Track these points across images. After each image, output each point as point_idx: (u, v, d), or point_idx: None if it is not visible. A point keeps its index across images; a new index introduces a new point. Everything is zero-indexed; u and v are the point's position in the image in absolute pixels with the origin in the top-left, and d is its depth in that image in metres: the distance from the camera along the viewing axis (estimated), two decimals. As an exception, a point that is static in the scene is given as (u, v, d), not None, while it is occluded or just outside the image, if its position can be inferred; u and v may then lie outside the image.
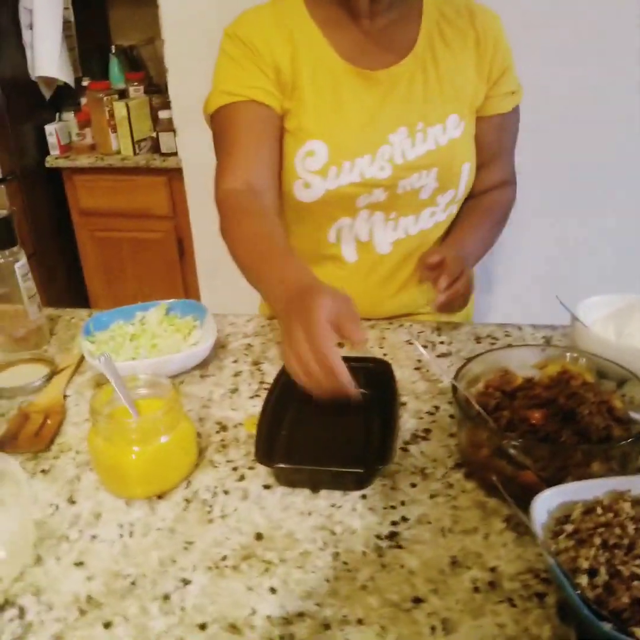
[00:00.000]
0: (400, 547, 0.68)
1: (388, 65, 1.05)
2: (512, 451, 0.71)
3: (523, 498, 0.71)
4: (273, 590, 0.64)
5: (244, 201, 1.00)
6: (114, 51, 2.79)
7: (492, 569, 0.65)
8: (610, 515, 0.63)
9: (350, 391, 0.74)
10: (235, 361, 1.03)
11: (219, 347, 1.07)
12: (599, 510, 0.63)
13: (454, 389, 0.77)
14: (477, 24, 1.08)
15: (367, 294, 1.15)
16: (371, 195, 1.08)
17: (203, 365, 1.02)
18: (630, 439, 0.69)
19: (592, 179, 2.04)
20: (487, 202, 1.19)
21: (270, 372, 0.99)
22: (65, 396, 0.98)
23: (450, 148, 1.08)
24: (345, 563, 0.67)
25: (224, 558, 0.68)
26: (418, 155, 1.06)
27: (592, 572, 0.58)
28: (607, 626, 0.53)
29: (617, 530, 0.61)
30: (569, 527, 0.63)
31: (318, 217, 1.11)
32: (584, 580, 0.58)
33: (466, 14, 1.09)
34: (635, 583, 0.56)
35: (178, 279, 2.60)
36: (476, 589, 0.63)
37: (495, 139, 1.15)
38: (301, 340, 0.73)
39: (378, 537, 0.70)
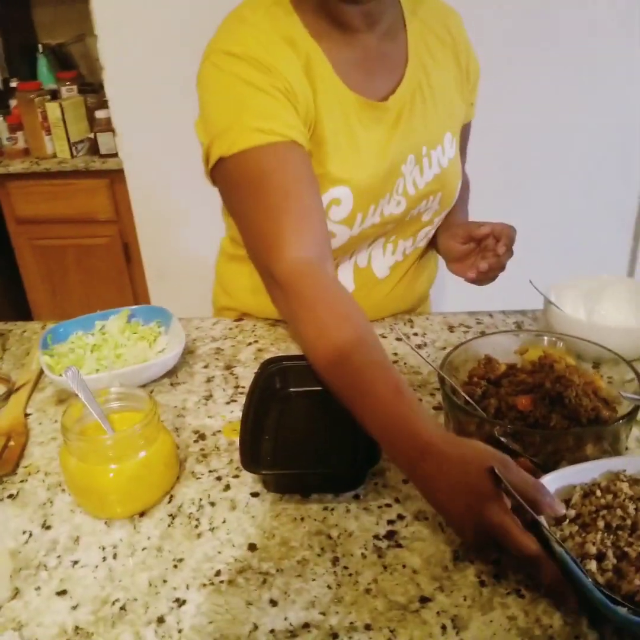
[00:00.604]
0: (400, 546, 0.66)
1: (390, 89, 0.94)
2: (504, 439, 0.70)
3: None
4: (274, 603, 0.62)
5: (321, 282, 0.80)
6: (41, 50, 2.69)
7: (496, 561, 0.64)
8: (610, 497, 0.63)
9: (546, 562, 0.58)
10: (205, 366, 1.00)
11: (187, 352, 1.03)
12: (598, 493, 0.63)
13: (442, 379, 0.75)
14: (452, 28, 1.01)
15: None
16: (384, 228, 1.02)
17: (172, 372, 0.98)
18: (621, 420, 0.69)
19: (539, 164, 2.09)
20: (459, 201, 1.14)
21: (244, 376, 0.96)
22: (26, 415, 0.92)
23: (450, 169, 1.03)
24: (345, 568, 0.65)
25: (218, 573, 0.65)
26: (427, 182, 1.01)
27: (600, 557, 0.58)
28: (622, 610, 0.53)
29: (619, 512, 0.61)
30: (571, 512, 0.62)
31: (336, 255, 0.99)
32: (593, 565, 0.57)
33: (438, 15, 1.00)
34: None
35: (127, 286, 2.52)
36: (482, 583, 0.62)
37: (463, 144, 1.12)
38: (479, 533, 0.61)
39: (376, 537, 0.68)
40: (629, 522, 0.60)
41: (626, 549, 0.58)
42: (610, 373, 0.81)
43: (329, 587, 0.63)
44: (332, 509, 0.72)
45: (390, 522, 0.69)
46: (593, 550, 0.58)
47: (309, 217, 0.83)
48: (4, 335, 1.14)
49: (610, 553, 0.58)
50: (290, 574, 0.64)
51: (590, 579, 0.55)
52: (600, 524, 0.60)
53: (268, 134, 0.81)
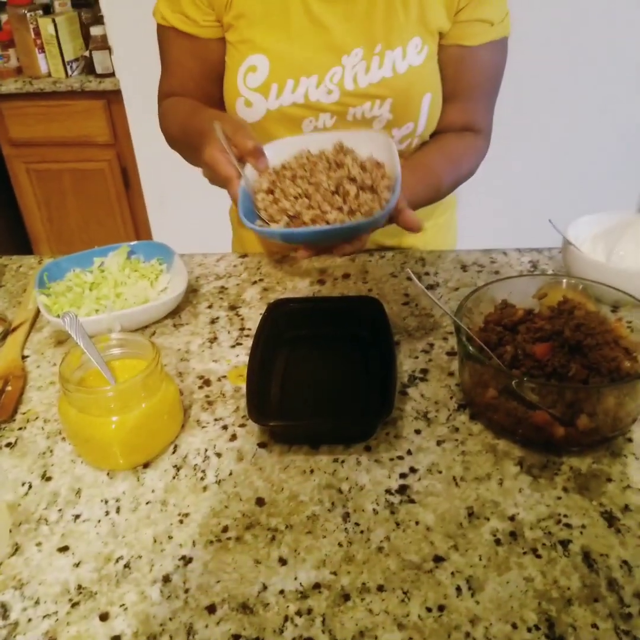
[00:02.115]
0: (412, 501, 0.64)
1: None
2: (520, 390, 0.66)
3: (536, 439, 0.68)
4: (283, 561, 0.60)
5: (171, 102, 1.06)
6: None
7: (511, 518, 0.62)
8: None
9: (231, 184, 0.81)
10: (209, 306, 0.95)
11: (190, 291, 0.99)
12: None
13: (457, 327, 0.71)
14: None
15: None
16: (317, 120, 0.98)
17: (175, 312, 0.94)
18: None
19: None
20: (445, 143, 1.03)
21: (250, 317, 0.92)
22: (24, 357, 0.89)
23: (407, 77, 0.95)
24: (357, 524, 0.63)
25: (225, 529, 0.63)
26: (371, 82, 0.95)
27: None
28: (257, 224, 0.79)
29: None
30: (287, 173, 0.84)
31: (263, 139, 0.96)
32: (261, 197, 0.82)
33: None
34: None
35: (126, 213, 2.45)
36: (498, 542, 0.60)
37: (451, 74, 0.99)
38: (204, 164, 0.85)
39: (388, 492, 0.65)
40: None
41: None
42: (631, 317, 0.77)
43: (340, 544, 0.61)
44: (343, 461, 0.69)
45: (402, 475, 0.67)
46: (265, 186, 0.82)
47: (177, 80, 1.06)
48: (-1, 270, 1.09)
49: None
50: (299, 530, 0.62)
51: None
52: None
53: (162, 18, 1.01)
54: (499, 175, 1.99)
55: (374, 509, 0.64)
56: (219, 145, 0.81)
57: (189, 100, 1.03)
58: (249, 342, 0.83)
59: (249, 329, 0.89)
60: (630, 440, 0.70)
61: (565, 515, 0.62)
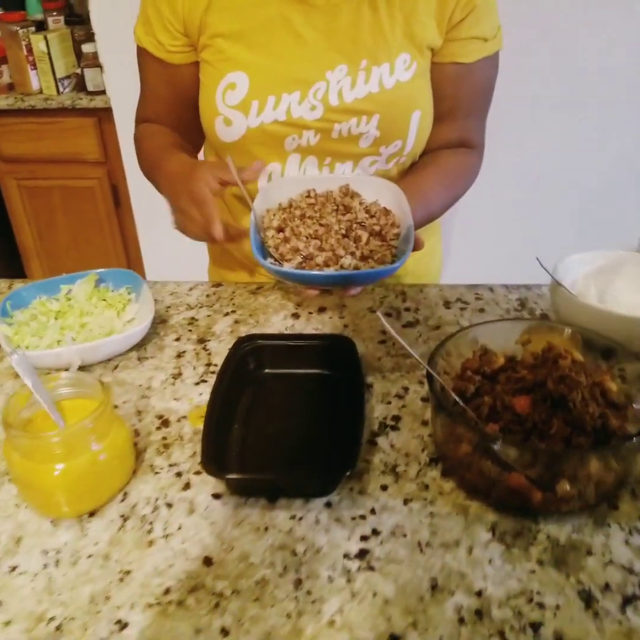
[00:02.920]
0: (372, 568, 0.59)
1: None
2: (496, 448, 0.61)
3: (511, 503, 0.63)
4: (225, 632, 0.55)
5: (144, 130, 1.06)
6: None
7: (479, 593, 0.57)
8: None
9: (214, 228, 0.83)
10: (177, 339, 0.91)
11: (159, 321, 0.94)
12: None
13: (430, 377, 0.67)
14: None
15: None
16: (301, 138, 0.94)
17: (141, 344, 0.89)
18: (634, 437, 0.60)
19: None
20: (442, 160, 1.02)
21: (217, 351, 0.88)
22: (-22, 389, 0.84)
23: (395, 92, 0.92)
24: (308, 593, 0.57)
25: (167, 591, 0.58)
26: (357, 97, 0.91)
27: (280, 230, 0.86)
28: (268, 262, 0.80)
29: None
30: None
31: (244, 160, 0.95)
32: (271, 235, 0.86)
33: None
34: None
35: (116, 230, 2.41)
36: (461, 621, 0.55)
37: (450, 92, 0.97)
38: (187, 203, 0.87)
39: (346, 556, 0.60)
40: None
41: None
42: (623, 364, 0.72)
43: (288, 616, 0.56)
44: (300, 518, 0.64)
45: (363, 537, 0.62)
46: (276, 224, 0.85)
47: (153, 104, 1.05)
48: (-34, 293, 1.05)
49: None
50: (247, 596, 0.57)
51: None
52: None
53: (139, 40, 0.99)
54: (488, 201, 1.95)
55: (329, 576, 0.59)
56: (210, 182, 0.86)
57: (160, 135, 1.03)
58: (213, 379, 0.79)
59: (216, 365, 0.85)
60: (615, 508, 0.64)
61: (538, 593, 0.56)
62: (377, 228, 0.85)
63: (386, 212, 0.88)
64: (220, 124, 0.95)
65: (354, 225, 0.86)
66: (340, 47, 0.91)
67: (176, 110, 1.03)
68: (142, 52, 1.00)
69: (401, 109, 0.93)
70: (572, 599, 0.56)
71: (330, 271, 0.81)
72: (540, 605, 0.55)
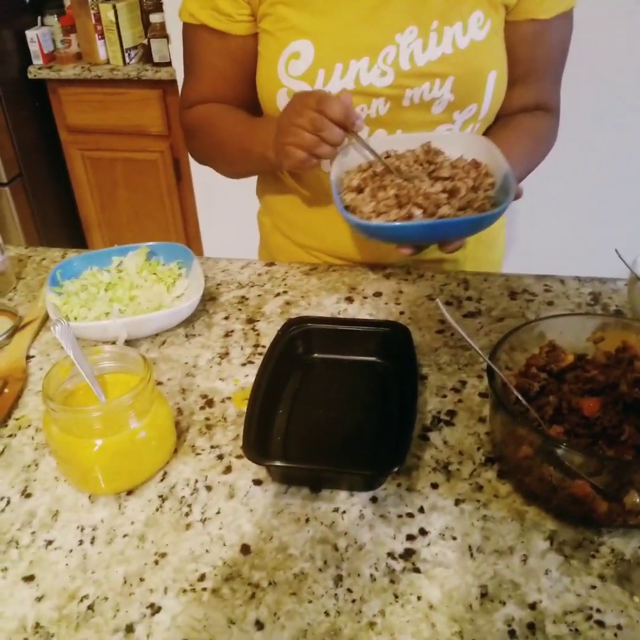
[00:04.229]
0: (417, 570, 0.56)
1: None
2: (561, 453, 0.57)
3: (573, 512, 0.58)
4: (260, 625, 0.52)
5: (206, 110, 0.99)
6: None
7: (532, 606, 0.52)
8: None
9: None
10: (226, 318, 0.89)
11: (209, 299, 0.92)
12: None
13: (490, 372, 0.62)
14: None
15: None
16: (370, 108, 0.89)
17: (189, 321, 0.87)
18: None
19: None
20: (522, 123, 0.97)
21: (266, 333, 0.85)
22: (28, 357, 0.84)
23: (471, 52, 0.87)
24: (349, 591, 0.54)
25: (202, 577, 0.56)
26: (430, 60, 0.86)
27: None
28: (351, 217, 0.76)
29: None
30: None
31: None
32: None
33: None
34: None
35: (176, 204, 2.41)
36: (512, 634, 0.51)
37: (527, 52, 0.92)
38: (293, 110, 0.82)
39: (391, 555, 0.57)
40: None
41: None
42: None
43: (326, 613, 0.53)
44: (344, 512, 0.61)
45: (410, 537, 0.58)
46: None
47: (206, 82, 0.99)
48: (22, 261, 1.05)
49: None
50: (283, 589, 0.55)
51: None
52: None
53: (190, 16, 0.94)
54: (560, 188, 1.85)
55: (371, 575, 0.55)
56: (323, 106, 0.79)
57: (233, 111, 0.97)
58: (260, 361, 0.76)
59: (263, 347, 0.82)
60: (685, 522, 0.59)
61: (598, 610, 0.52)
62: (469, 181, 0.81)
63: (476, 164, 0.83)
64: (283, 96, 0.90)
65: (448, 180, 0.81)
66: (408, 8, 0.85)
67: (238, 88, 0.97)
68: (194, 31, 0.95)
69: (477, 69, 0.88)
70: (636, 619, 0.51)
71: (429, 221, 0.76)
72: (600, 624, 0.51)
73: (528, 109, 0.98)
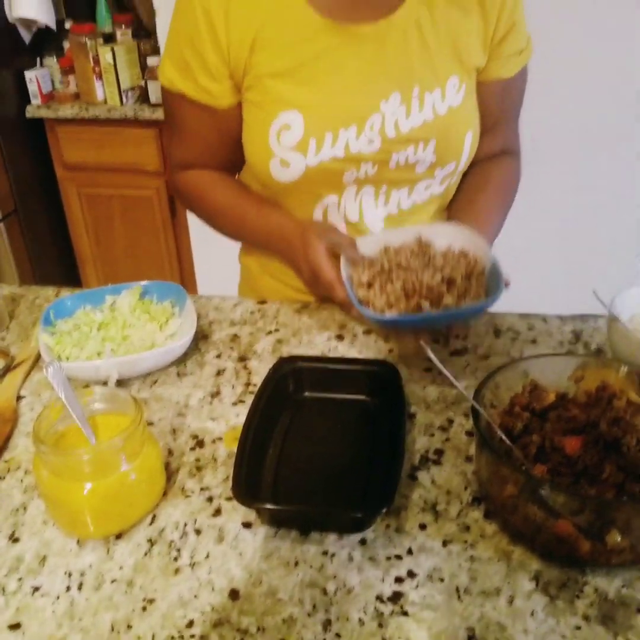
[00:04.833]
0: (405, 614, 0.56)
1: (375, 18, 0.86)
2: (543, 493, 0.57)
3: (557, 551, 0.59)
4: (248, 672, 0.52)
5: (200, 176, 1.02)
6: (100, -11, 2.55)
7: (520, 652, 0.52)
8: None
9: (337, 292, 0.82)
10: (218, 356, 0.89)
11: (201, 337, 0.93)
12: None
13: (475, 412, 0.63)
14: None
15: None
16: (359, 171, 0.92)
17: (181, 359, 0.88)
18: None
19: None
20: (491, 176, 1.03)
21: (258, 371, 0.85)
22: (19, 398, 0.84)
23: (450, 118, 0.91)
24: (338, 635, 0.54)
25: (191, 624, 0.56)
26: (413, 126, 0.90)
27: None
28: (368, 311, 0.78)
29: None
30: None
31: (301, 196, 0.95)
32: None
33: None
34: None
35: (171, 240, 2.44)
36: (500, 679, 0.51)
37: (494, 107, 0.98)
38: (310, 279, 0.88)
39: (379, 599, 0.57)
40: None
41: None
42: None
43: (314, 660, 0.53)
44: (333, 555, 0.61)
45: (398, 579, 0.58)
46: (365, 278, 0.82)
47: (192, 147, 1.00)
48: (16, 300, 1.06)
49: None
50: (272, 635, 0.55)
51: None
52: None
53: (170, 83, 0.92)
54: (541, 228, 1.88)
55: (360, 619, 0.55)
56: (322, 250, 0.85)
57: (222, 185, 1.01)
58: (251, 400, 0.77)
59: (255, 385, 0.83)
60: (671, 561, 0.59)
61: (584, 653, 0.52)
62: (462, 270, 0.84)
63: (464, 254, 0.87)
64: (276, 165, 0.91)
65: (444, 271, 0.84)
66: (391, 75, 0.88)
67: (220, 153, 0.99)
68: (175, 97, 0.93)
69: (456, 132, 0.93)
70: (623, 664, 0.51)
71: (438, 312, 0.78)
72: (588, 671, 0.51)
73: (495, 154, 1.05)
